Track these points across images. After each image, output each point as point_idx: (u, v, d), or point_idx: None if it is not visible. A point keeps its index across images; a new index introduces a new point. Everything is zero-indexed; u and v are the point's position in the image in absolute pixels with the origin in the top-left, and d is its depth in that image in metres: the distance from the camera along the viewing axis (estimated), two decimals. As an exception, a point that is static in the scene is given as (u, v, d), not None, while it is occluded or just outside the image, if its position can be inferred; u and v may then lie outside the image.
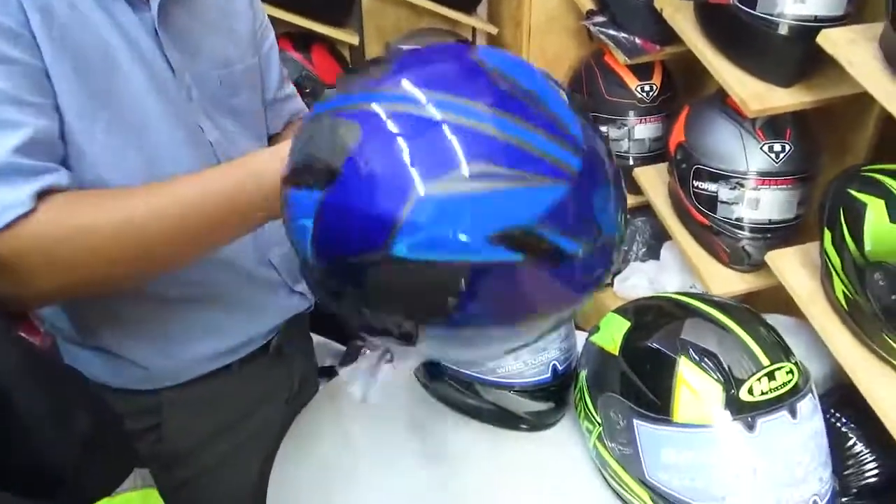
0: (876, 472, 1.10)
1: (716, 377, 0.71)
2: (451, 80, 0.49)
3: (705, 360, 0.72)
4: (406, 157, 0.46)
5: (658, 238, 1.71)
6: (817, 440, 0.72)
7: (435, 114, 0.47)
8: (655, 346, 0.75)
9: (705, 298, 0.81)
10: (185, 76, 0.71)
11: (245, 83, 0.80)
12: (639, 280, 1.71)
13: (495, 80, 0.49)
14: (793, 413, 0.71)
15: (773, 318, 1.40)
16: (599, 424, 0.80)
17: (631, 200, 1.75)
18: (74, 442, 0.44)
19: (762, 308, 1.54)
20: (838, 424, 1.14)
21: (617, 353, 0.78)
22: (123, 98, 0.66)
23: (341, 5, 1.85)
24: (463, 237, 0.45)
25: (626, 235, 0.50)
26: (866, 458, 1.11)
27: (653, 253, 1.73)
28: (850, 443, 1.13)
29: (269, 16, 0.90)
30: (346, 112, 0.49)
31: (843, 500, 1.15)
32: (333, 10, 1.82)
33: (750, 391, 0.71)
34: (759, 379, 0.71)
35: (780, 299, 1.18)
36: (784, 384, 0.72)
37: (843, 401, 1.13)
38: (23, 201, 0.55)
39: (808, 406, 0.72)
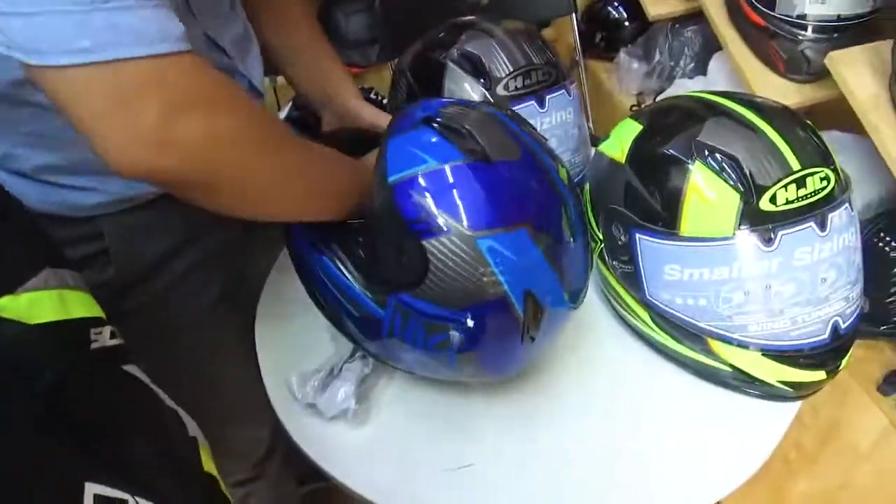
0: (922, 300, 1.01)
1: (733, 184, 0.61)
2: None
3: (724, 164, 0.62)
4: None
5: (708, 51, 1.51)
6: (848, 256, 0.63)
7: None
8: (667, 151, 0.65)
9: (737, 97, 0.68)
10: None
11: None
12: (683, 99, 1.54)
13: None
14: (822, 225, 0.61)
15: (826, 135, 1.26)
16: (601, 241, 0.73)
17: (681, 7, 1.54)
18: None
19: (820, 126, 1.36)
20: (887, 249, 1.03)
21: (623, 162, 0.68)
22: None
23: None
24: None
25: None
26: (913, 286, 1.02)
27: (701, 68, 1.54)
28: (898, 269, 1.02)
29: None
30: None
31: (883, 327, 1.07)
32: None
33: (773, 199, 0.60)
34: (785, 186, 0.60)
35: (841, 117, 1.02)
36: (815, 191, 0.61)
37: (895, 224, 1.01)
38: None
39: (842, 218, 0.62)
